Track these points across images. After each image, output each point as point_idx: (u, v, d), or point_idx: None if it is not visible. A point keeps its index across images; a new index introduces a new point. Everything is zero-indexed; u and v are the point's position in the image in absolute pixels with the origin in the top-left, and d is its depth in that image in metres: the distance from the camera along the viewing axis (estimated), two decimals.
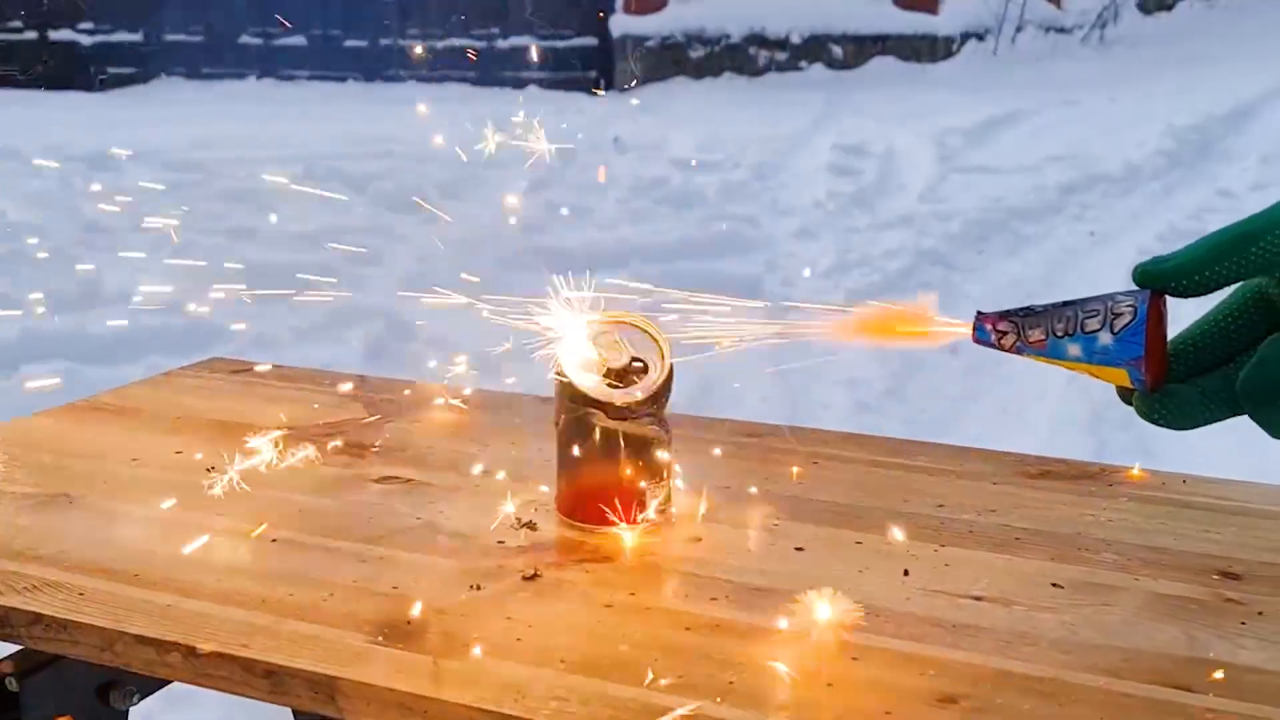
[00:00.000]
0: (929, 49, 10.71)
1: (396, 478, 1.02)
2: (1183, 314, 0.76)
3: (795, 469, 1.04)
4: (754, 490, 0.99)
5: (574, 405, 0.90)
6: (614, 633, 0.78)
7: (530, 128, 0.99)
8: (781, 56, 10.52)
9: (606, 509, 0.90)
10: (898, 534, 0.91)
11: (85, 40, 10.03)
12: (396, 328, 3.54)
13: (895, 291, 4.42)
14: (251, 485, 1.00)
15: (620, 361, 0.91)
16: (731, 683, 0.72)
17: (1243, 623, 0.79)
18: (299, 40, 10.28)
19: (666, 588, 0.84)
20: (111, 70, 9.56)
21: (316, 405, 1.19)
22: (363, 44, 10.19)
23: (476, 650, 0.75)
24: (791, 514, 0.95)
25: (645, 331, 0.92)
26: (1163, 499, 0.98)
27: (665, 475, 0.92)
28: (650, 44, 10.21)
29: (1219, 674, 0.73)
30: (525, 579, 0.85)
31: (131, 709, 0.97)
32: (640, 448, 0.90)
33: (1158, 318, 0.73)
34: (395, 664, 0.74)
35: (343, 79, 10.05)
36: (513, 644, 0.76)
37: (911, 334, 0.79)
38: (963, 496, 0.98)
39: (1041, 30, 11.50)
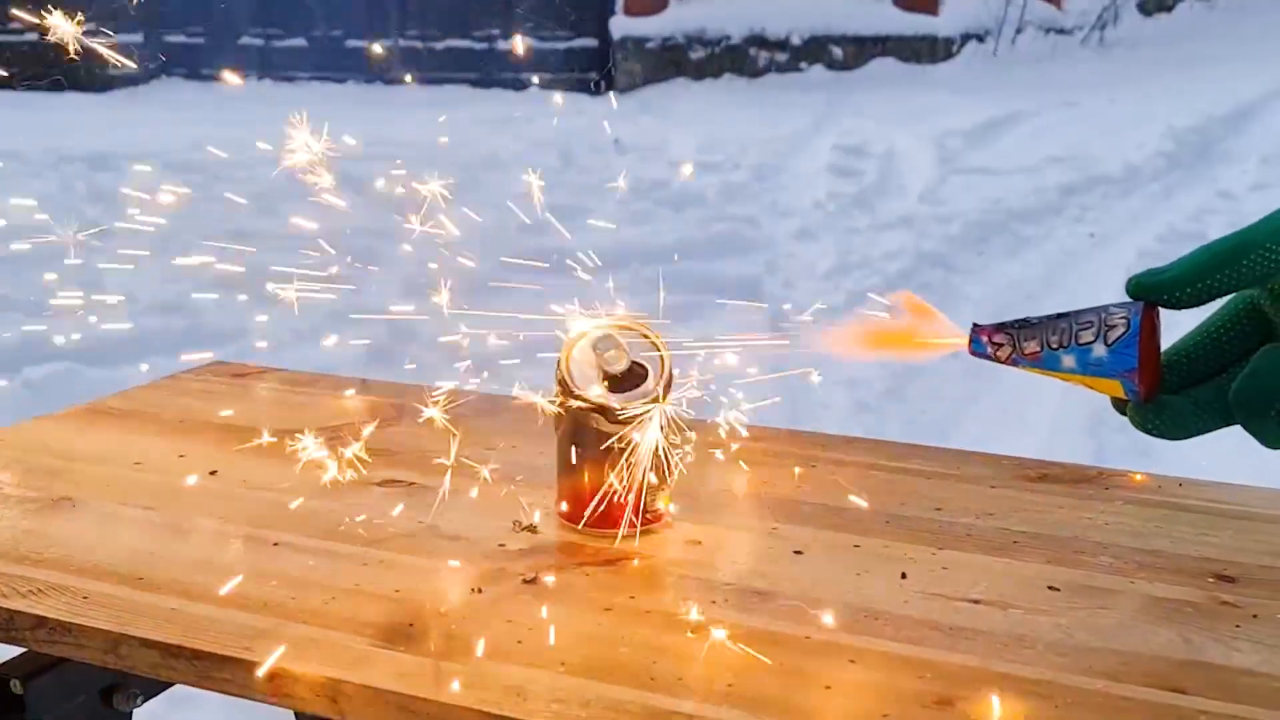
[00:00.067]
0: (929, 50, 10.72)
1: (398, 481, 1.03)
2: (1177, 324, 0.77)
3: (794, 472, 1.04)
4: (753, 494, 1.00)
5: (575, 409, 0.90)
6: (614, 635, 0.78)
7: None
8: (782, 58, 10.53)
9: (607, 513, 0.91)
10: (896, 538, 0.91)
11: (86, 41, 10.03)
12: (397, 330, 3.55)
13: (895, 293, 4.42)
14: (254, 489, 1.01)
15: (621, 366, 0.91)
16: (730, 685, 0.73)
17: (1237, 626, 0.79)
18: (299, 41, 10.29)
19: (666, 591, 0.84)
20: (112, 71, 9.57)
21: (318, 408, 1.20)
22: (363, 45, 10.19)
23: (477, 653, 0.76)
24: (790, 517, 0.96)
25: (645, 337, 0.92)
26: (1159, 502, 0.98)
27: (665, 479, 0.93)
28: (650, 45, 10.22)
29: (1213, 677, 0.73)
30: (526, 582, 0.85)
31: (135, 711, 0.97)
32: (640, 451, 0.91)
33: (1151, 329, 0.74)
34: (397, 667, 0.75)
35: (343, 80, 10.06)
36: (513, 647, 0.77)
37: (908, 346, 0.79)
38: (961, 500, 0.99)
39: (1041, 31, 11.51)
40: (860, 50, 10.61)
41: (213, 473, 1.04)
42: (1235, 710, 0.70)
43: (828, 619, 0.80)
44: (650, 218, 5.44)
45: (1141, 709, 0.71)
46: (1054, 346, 0.75)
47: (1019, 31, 11.30)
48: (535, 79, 9.86)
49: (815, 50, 10.55)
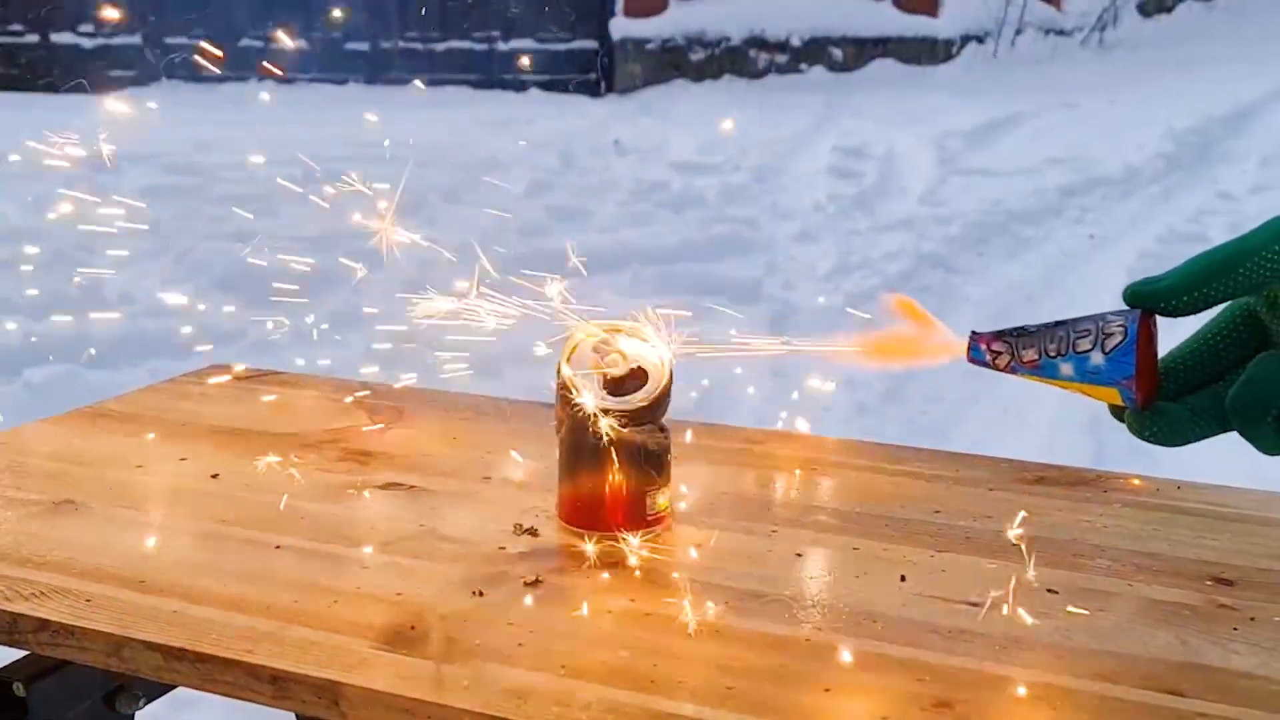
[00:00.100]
0: (929, 51, 10.72)
1: (399, 484, 1.03)
2: (1175, 329, 0.77)
3: (794, 474, 1.05)
4: (753, 497, 1.00)
5: (575, 412, 0.91)
6: (615, 638, 0.79)
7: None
8: (782, 59, 10.54)
9: (607, 516, 0.91)
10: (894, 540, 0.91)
11: (86, 43, 10.05)
12: (398, 333, 3.54)
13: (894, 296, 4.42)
14: (255, 492, 1.01)
15: (621, 369, 0.91)
16: (730, 688, 0.73)
17: (1235, 628, 0.80)
18: (300, 43, 10.30)
19: (666, 593, 0.85)
20: (112, 73, 9.57)
21: (320, 411, 1.20)
22: (364, 46, 10.20)
23: (479, 656, 0.76)
24: (790, 520, 0.96)
25: (645, 340, 0.93)
26: (1157, 505, 0.99)
27: (665, 482, 0.93)
28: (650, 46, 10.23)
29: (1211, 680, 0.74)
30: (527, 585, 0.86)
31: (137, 713, 0.98)
32: (641, 455, 0.91)
33: (1148, 337, 0.75)
34: (398, 669, 0.75)
35: (343, 81, 10.06)
36: (514, 649, 0.77)
37: (908, 355, 0.80)
38: (960, 502, 0.99)
39: (1041, 33, 11.52)
40: (860, 51, 10.61)
41: (214, 476, 1.04)
42: (1233, 713, 0.71)
43: (827, 621, 0.80)
44: (650, 219, 5.45)
45: (1139, 711, 0.71)
46: (1052, 355, 0.75)
47: (1019, 33, 11.30)
48: (535, 80, 9.86)
49: (815, 52, 10.56)
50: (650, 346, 0.92)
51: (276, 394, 1.26)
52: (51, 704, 0.90)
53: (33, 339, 3.61)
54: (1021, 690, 0.73)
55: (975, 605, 0.83)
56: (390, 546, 0.91)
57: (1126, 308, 0.75)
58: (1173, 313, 0.74)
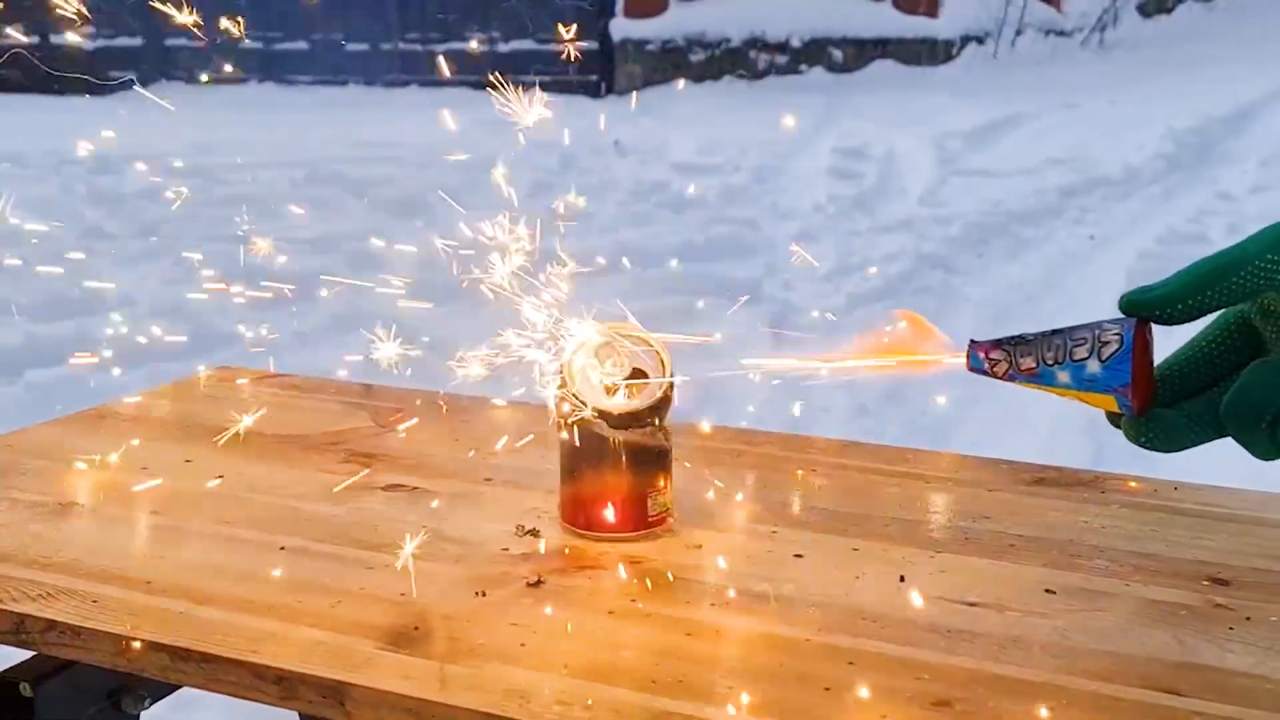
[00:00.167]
0: (929, 52, 10.73)
1: (402, 486, 1.04)
2: (1173, 335, 0.78)
3: (794, 476, 1.05)
4: (753, 498, 1.01)
5: (576, 415, 0.91)
6: (616, 638, 0.79)
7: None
8: (782, 60, 10.54)
9: (608, 517, 0.92)
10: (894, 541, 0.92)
11: (87, 45, 10.05)
12: (399, 334, 3.55)
13: (895, 295, 4.43)
14: (260, 493, 1.02)
15: (622, 372, 0.92)
16: (731, 687, 0.74)
17: (1231, 628, 0.80)
18: (300, 44, 10.30)
19: (668, 594, 0.85)
20: (113, 74, 9.58)
21: (322, 413, 1.21)
22: (364, 48, 10.21)
23: (482, 656, 0.77)
24: (790, 521, 0.97)
25: (646, 343, 0.93)
26: (1155, 506, 0.99)
27: (666, 483, 0.94)
28: (650, 47, 10.23)
29: (1207, 679, 0.74)
30: (529, 586, 0.86)
31: (142, 713, 0.99)
32: (641, 456, 0.92)
33: (1143, 345, 0.76)
34: (402, 669, 0.76)
35: (344, 83, 10.07)
36: (517, 649, 0.78)
37: (906, 363, 0.81)
38: (959, 503, 1.00)
39: (1041, 33, 11.52)
40: (860, 52, 10.62)
41: (219, 477, 1.05)
42: (1229, 711, 0.71)
43: (827, 621, 0.81)
44: (650, 220, 5.45)
45: (1136, 710, 0.72)
46: (1049, 363, 0.77)
47: (1019, 33, 11.31)
48: (535, 81, 9.87)
49: (815, 52, 10.56)
50: (651, 348, 0.92)
51: (279, 396, 1.27)
52: (58, 704, 0.91)
53: (33, 340, 3.62)
54: (1020, 690, 0.73)
55: (974, 605, 0.83)
56: (394, 548, 0.92)
57: (1122, 316, 0.76)
58: (1168, 321, 0.75)
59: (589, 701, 0.72)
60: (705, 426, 1.15)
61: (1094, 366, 0.75)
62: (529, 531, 0.94)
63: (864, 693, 0.73)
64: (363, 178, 5.91)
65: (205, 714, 1.74)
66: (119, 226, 5.08)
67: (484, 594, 0.85)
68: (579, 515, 0.94)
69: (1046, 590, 0.86)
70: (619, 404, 0.91)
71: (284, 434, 1.15)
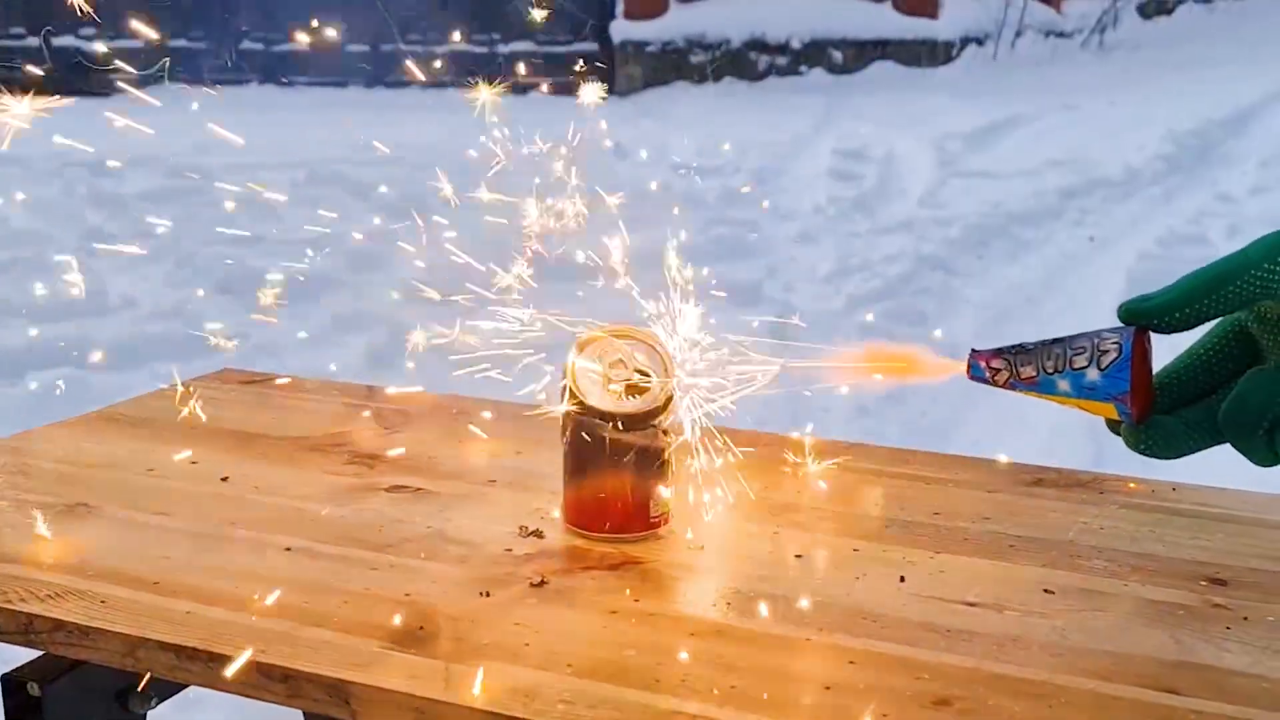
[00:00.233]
0: (929, 54, 10.73)
1: (406, 487, 1.04)
2: (1170, 346, 0.79)
3: (795, 476, 1.06)
4: (755, 498, 1.02)
5: (580, 416, 0.92)
6: (619, 638, 0.80)
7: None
8: (782, 61, 10.54)
9: (611, 517, 0.93)
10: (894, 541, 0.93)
11: (87, 46, 10.06)
12: (400, 335, 3.55)
13: (895, 297, 4.44)
14: (265, 494, 1.03)
15: (625, 373, 0.93)
16: (733, 687, 0.74)
17: (1228, 628, 0.81)
18: (300, 46, 10.31)
19: (670, 594, 0.86)
20: (113, 76, 9.58)
21: (326, 415, 1.22)
22: (364, 49, 10.21)
23: (486, 655, 0.78)
24: (791, 521, 0.98)
25: (649, 345, 0.94)
26: (1153, 507, 1.00)
27: (668, 484, 0.95)
28: (650, 49, 10.24)
29: (1205, 678, 0.75)
30: (533, 586, 0.87)
31: (149, 713, 0.99)
32: (644, 457, 0.92)
33: (1142, 353, 0.77)
34: (407, 669, 0.77)
35: (344, 84, 10.07)
36: (521, 649, 0.79)
37: (908, 371, 0.82)
38: (958, 504, 1.01)
39: (1041, 35, 11.52)
40: (860, 54, 10.62)
41: (224, 479, 1.05)
42: (1226, 710, 0.72)
43: (827, 621, 0.82)
44: (651, 220, 5.45)
45: (1134, 709, 0.72)
46: (1049, 371, 0.78)
47: (1018, 35, 11.31)
48: (535, 83, 9.87)
49: (815, 54, 10.56)
50: (654, 349, 0.93)
51: (283, 398, 1.28)
52: (65, 703, 0.92)
53: (35, 342, 3.62)
54: (1019, 689, 0.74)
55: (973, 605, 0.84)
56: (398, 548, 0.93)
57: (1121, 325, 0.77)
58: (1166, 329, 0.76)
59: (592, 701, 0.73)
60: (707, 426, 1.16)
61: (1093, 375, 0.76)
62: (532, 532, 0.95)
63: (864, 693, 0.74)
64: (363, 179, 5.91)
65: (212, 713, 1.74)
66: (120, 228, 5.08)
67: (488, 594, 0.86)
68: (582, 516, 0.94)
69: (1045, 590, 0.86)
70: (622, 405, 0.92)
71: (288, 435, 1.16)
